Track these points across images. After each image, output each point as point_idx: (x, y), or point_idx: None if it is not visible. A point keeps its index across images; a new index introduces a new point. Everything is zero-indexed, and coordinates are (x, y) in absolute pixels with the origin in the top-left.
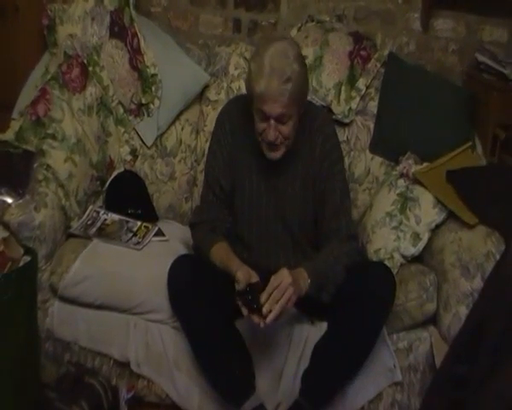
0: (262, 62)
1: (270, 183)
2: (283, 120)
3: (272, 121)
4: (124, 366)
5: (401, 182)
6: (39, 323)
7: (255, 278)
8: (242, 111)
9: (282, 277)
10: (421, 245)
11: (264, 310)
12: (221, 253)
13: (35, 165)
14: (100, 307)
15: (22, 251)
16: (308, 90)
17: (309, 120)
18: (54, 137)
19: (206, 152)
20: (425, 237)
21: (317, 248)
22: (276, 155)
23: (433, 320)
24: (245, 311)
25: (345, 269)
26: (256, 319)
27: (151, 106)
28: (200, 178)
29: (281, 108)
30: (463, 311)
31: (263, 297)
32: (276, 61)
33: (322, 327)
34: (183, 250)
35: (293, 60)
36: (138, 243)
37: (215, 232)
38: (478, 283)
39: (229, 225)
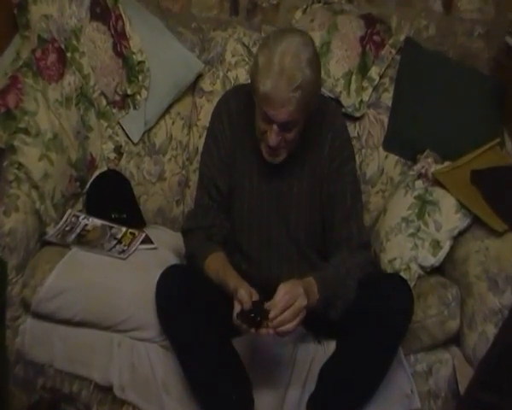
0: (271, 59)
1: (272, 184)
2: (288, 127)
3: (275, 126)
4: (106, 390)
5: (419, 183)
6: (8, 343)
7: (255, 297)
8: (242, 103)
9: (298, 295)
10: (441, 255)
11: (271, 326)
12: (217, 265)
13: (4, 163)
14: (79, 324)
15: None
16: (319, 96)
17: (316, 114)
18: (26, 131)
19: (201, 149)
20: (446, 245)
21: (325, 258)
22: (276, 160)
23: (455, 340)
24: (252, 329)
25: (357, 283)
26: (264, 331)
27: (138, 97)
28: (193, 178)
29: (286, 116)
30: (491, 330)
31: (273, 313)
32: (288, 62)
33: (330, 347)
34: (173, 260)
35: (306, 64)
36: (123, 251)
37: (211, 240)
38: (508, 298)
39: (226, 231)
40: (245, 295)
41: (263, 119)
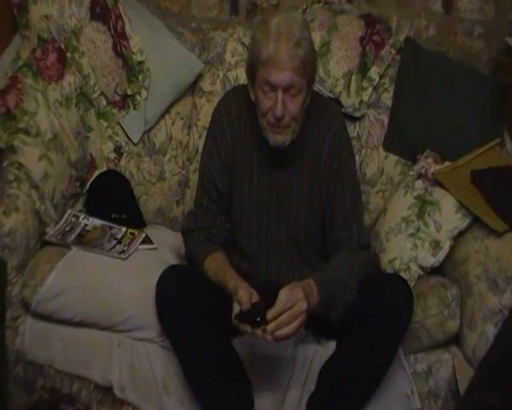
0: (268, 28)
1: (272, 183)
2: (292, 91)
3: (280, 94)
4: (106, 390)
5: (419, 183)
6: (8, 343)
7: (255, 298)
8: (242, 103)
9: (297, 299)
10: (441, 255)
11: (269, 328)
12: (216, 265)
13: (4, 163)
14: (79, 324)
15: None
16: (317, 68)
17: (316, 113)
18: (26, 131)
19: (201, 150)
20: (446, 245)
21: (325, 258)
22: (282, 138)
23: (455, 340)
24: (248, 328)
25: (357, 284)
26: (259, 333)
27: (138, 97)
28: (193, 178)
29: (291, 76)
30: (491, 330)
31: (270, 314)
32: (284, 26)
33: (330, 347)
34: (173, 260)
35: (302, 25)
36: (123, 251)
37: (211, 241)
38: (508, 298)
39: (225, 232)
40: (244, 295)
41: (266, 92)
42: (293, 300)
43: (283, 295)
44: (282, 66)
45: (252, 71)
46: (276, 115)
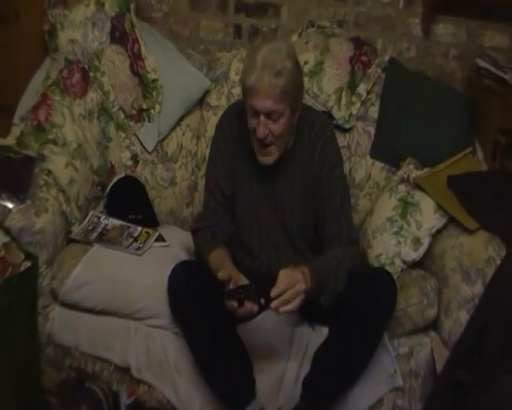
0: (255, 58)
1: (269, 187)
2: (273, 116)
3: (262, 117)
4: (124, 371)
5: (402, 187)
6: (40, 328)
7: (242, 281)
8: (242, 116)
9: (297, 280)
10: (421, 250)
11: (273, 305)
12: (217, 259)
13: (36, 170)
14: (100, 312)
15: (23, 256)
16: (302, 92)
17: (308, 125)
18: (55, 142)
19: (207, 158)
20: (426, 242)
21: (318, 252)
22: (268, 160)
23: (433, 325)
24: (235, 303)
25: (346, 275)
26: (249, 305)
27: (152, 111)
28: (201, 183)
29: (271, 104)
30: (464, 316)
31: (273, 292)
32: (269, 56)
33: (323, 332)
34: (183, 256)
35: (287, 56)
36: (139, 248)
37: (216, 239)
38: (479, 288)
39: (230, 231)
40: (221, 274)
41: (251, 115)
42: (294, 280)
43: (283, 276)
44: (263, 94)
45: (242, 90)
46: (257, 136)
